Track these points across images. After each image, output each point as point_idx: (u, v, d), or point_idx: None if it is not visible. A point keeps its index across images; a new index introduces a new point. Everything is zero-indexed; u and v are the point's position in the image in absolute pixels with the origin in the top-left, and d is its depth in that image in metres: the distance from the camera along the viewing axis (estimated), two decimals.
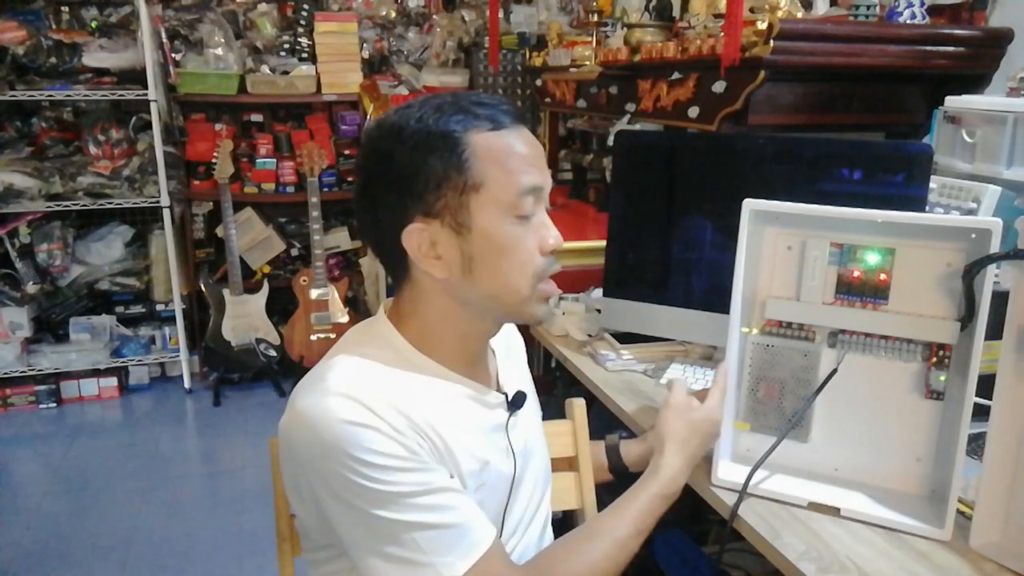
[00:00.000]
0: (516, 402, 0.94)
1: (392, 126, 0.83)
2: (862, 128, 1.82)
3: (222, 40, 3.29)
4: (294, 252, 3.65)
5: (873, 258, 1.01)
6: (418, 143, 0.80)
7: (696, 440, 1.01)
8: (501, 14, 3.48)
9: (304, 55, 3.44)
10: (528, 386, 1.04)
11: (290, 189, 3.46)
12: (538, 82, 3.03)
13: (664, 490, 0.96)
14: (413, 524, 0.77)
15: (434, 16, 3.68)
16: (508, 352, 1.04)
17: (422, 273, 0.85)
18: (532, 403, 1.04)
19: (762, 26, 1.56)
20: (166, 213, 3.25)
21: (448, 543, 0.79)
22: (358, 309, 3.54)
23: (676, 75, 1.86)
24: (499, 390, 0.95)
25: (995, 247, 0.90)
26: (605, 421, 1.38)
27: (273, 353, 3.34)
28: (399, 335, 0.88)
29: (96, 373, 3.37)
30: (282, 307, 3.46)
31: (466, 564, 0.78)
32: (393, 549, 0.77)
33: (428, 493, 0.78)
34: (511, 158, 0.82)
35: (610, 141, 2.04)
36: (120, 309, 3.49)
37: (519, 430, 0.95)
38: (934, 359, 0.99)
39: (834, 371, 1.04)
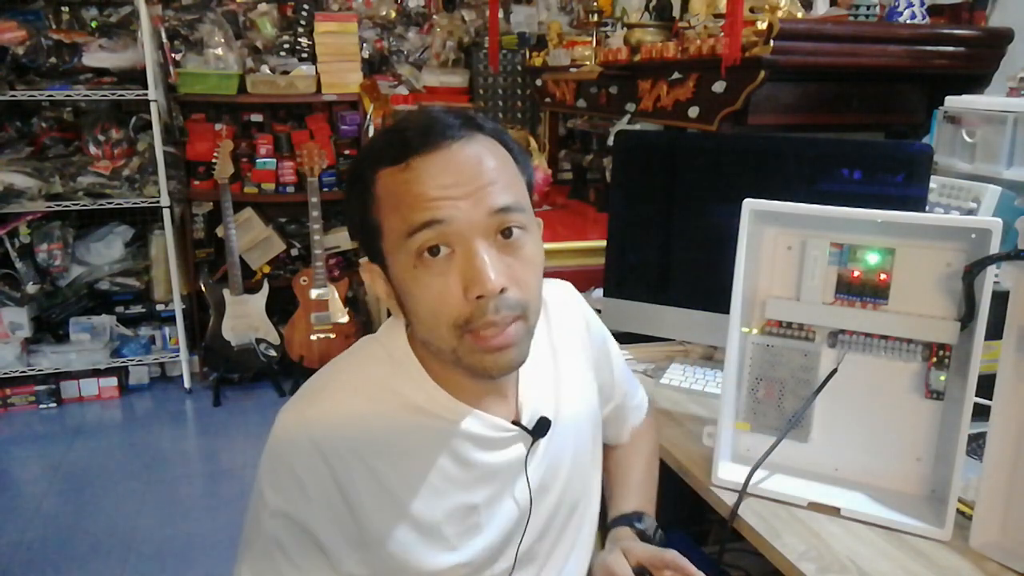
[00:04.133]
0: (538, 430, 0.85)
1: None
2: (862, 128, 1.82)
3: (222, 40, 3.29)
4: (294, 252, 3.65)
5: (873, 258, 1.01)
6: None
7: None
8: (501, 14, 3.48)
9: (304, 55, 3.44)
10: (582, 397, 0.95)
11: (290, 189, 3.46)
12: (538, 82, 3.03)
13: None
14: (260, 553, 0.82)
15: (434, 16, 3.68)
16: (547, 364, 0.91)
17: None
18: (578, 420, 0.93)
19: (762, 26, 1.56)
20: (166, 213, 3.25)
21: None
22: (358, 309, 3.54)
23: (676, 75, 1.86)
24: (517, 421, 0.85)
25: (995, 247, 0.90)
26: None
27: (273, 353, 3.34)
28: (417, 361, 0.82)
29: (96, 373, 3.36)
30: (282, 307, 3.46)
31: None
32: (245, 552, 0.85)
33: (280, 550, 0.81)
34: (405, 196, 0.73)
35: (610, 141, 2.04)
36: (120, 309, 3.48)
37: (542, 458, 0.87)
38: (934, 359, 0.99)
39: (834, 371, 1.04)
